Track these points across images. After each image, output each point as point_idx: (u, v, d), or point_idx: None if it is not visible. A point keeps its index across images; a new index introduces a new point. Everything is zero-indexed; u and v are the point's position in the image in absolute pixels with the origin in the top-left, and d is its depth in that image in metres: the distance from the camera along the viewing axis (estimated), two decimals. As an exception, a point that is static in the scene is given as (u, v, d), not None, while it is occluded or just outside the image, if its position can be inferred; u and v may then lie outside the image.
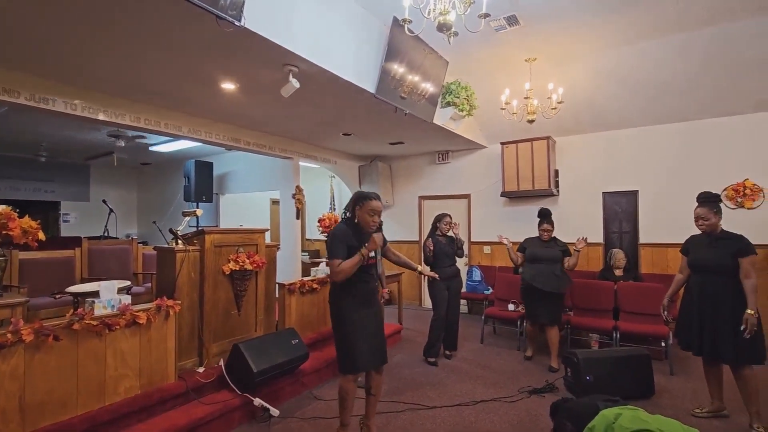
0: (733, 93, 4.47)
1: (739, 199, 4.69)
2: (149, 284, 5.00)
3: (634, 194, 5.33)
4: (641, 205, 5.28)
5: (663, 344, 3.95)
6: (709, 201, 2.82)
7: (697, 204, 2.86)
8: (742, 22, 3.67)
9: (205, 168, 7.07)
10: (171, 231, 3.25)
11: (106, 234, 6.91)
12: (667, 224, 5.01)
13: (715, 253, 2.77)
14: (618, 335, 4.10)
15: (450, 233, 4.26)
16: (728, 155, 4.76)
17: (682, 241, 3.08)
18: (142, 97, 3.91)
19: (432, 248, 4.16)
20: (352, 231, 2.45)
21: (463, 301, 6.08)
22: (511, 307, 4.80)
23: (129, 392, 2.59)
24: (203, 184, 6.97)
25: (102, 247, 5.10)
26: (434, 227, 4.33)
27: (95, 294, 2.61)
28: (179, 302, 2.91)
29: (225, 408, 2.81)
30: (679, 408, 3.09)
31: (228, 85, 3.59)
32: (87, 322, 2.39)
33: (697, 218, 2.85)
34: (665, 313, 3.14)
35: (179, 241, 3.19)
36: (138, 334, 2.67)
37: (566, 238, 4.31)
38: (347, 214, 2.55)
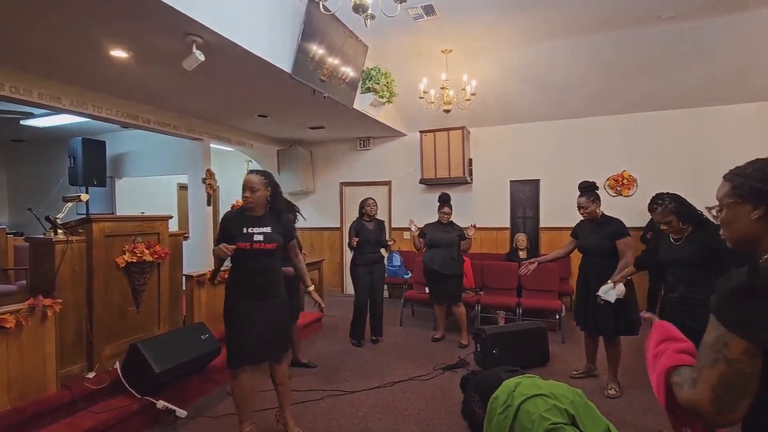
0: (614, 94, 5.09)
1: (619, 188, 5.41)
2: (23, 281, 4.28)
3: (536, 183, 5.86)
4: (542, 193, 5.82)
5: (557, 317, 4.44)
6: (587, 191, 3.19)
7: (579, 194, 3.23)
8: (618, 32, 4.16)
9: (95, 147, 6.17)
10: (48, 219, 2.79)
11: (-37, 224, 5.74)
12: (562, 210, 5.59)
13: (596, 238, 3.16)
14: (521, 311, 4.52)
15: (468, 235, 4.19)
16: (610, 149, 5.44)
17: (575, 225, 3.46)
18: (6, 59, 3.26)
19: (356, 235, 4.18)
20: (241, 216, 2.32)
21: (384, 286, 6.24)
22: (428, 290, 5.01)
23: (-6, 409, 2.20)
24: (93, 165, 6.08)
25: (-44, 239, 4.24)
26: (360, 213, 4.33)
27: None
28: (60, 301, 2.52)
29: (122, 415, 2.53)
30: (568, 372, 3.51)
31: (119, 53, 3.14)
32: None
33: (579, 207, 3.22)
34: (529, 266, 3.37)
35: (59, 231, 2.75)
36: (5, 341, 2.26)
37: (479, 222, 4.59)
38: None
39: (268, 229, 2.33)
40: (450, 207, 4.34)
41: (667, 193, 2.49)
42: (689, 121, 5.11)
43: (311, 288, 2.66)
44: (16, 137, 7.20)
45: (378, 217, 4.39)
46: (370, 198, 4.39)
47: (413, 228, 4.28)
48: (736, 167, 0.94)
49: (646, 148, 5.29)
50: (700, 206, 2.29)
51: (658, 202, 2.44)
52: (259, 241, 2.29)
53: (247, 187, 2.29)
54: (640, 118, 5.31)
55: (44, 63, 3.36)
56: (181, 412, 2.70)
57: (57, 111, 4.13)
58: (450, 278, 4.21)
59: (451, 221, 4.35)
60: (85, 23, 2.68)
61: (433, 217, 4.45)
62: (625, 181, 5.38)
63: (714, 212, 0.98)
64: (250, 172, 2.36)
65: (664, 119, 5.21)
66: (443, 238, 4.23)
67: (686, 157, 5.10)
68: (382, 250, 4.53)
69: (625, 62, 4.54)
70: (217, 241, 2.31)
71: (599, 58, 4.53)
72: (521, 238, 5.45)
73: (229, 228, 2.32)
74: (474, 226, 4.19)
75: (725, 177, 0.95)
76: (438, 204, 4.38)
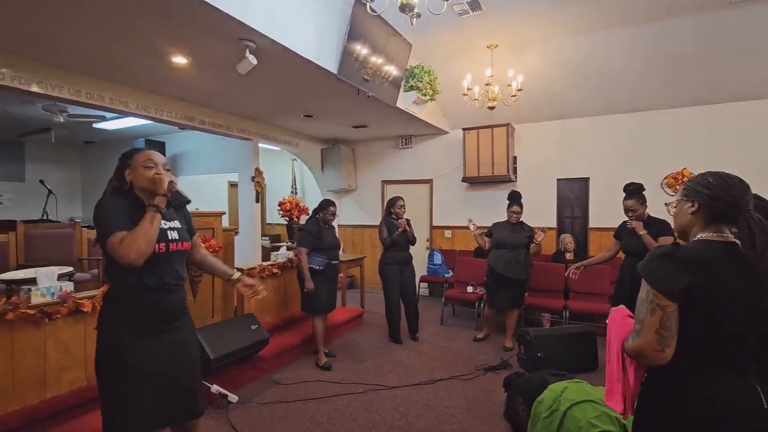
0: (673, 87, 4.75)
1: (678, 187, 5.05)
2: (96, 270, 4.71)
3: (585, 181, 5.60)
4: (592, 192, 5.56)
5: (607, 321, 4.22)
6: (636, 193, 3.05)
7: (624, 195, 3.08)
8: (682, 19, 3.88)
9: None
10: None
11: (45, 217, 6.40)
12: (614, 209, 5.29)
13: (639, 241, 3.00)
14: (567, 314, 4.35)
15: (536, 240, 4.01)
16: (668, 145, 5.09)
17: (618, 226, 3.32)
18: (83, 68, 3.59)
19: (387, 234, 4.18)
20: (134, 204, 1.59)
21: (424, 284, 6.24)
22: (469, 289, 4.95)
23: (74, 384, 2.45)
24: (155, 165, 6.57)
25: (40, 231, 4.73)
26: (388, 212, 4.30)
27: (32, 281, 2.42)
28: (128, 289, 2.75)
29: (180, 396, 2.72)
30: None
31: (179, 59, 3.37)
32: (23, 311, 2.21)
33: (627, 210, 3.09)
34: (576, 270, 3.32)
35: (127, 225, 2.99)
36: (83, 323, 2.51)
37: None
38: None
39: (176, 223, 1.70)
40: (520, 206, 4.11)
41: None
42: (758, 113, 4.68)
43: (236, 275, 1.93)
44: (89, 139, 7.90)
45: (415, 216, 4.34)
46: (400, 198, 4.29)
47: (472, 227, 4.10)
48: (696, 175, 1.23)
49: (709, 143, 4.90)
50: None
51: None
52: (174, 240, 1.63)
53: (156, 162, 1.61)
54: (704, 111, 4.92)
55: (114, 70, 3.67)
56: (233, 397, 2.87)
57: (124, 114, 4.49)
58: (514, 282, 4.02)
59: (522, 222, 4.13)
60: (150, 32, 2.89)
61: (476, 216, 4.37)
62: (685, 179, 5.02)
63: (669, 208, 1.29)
64: (139, 150, 1.66)
65: (730, 111, 4.80)
66: (510, 240, 4.02)
67: (754, 153, 4.67)
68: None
69: (689, 52, 4.22)
70: (117, 220, 1.51)
71: (661, 48, 4.24)
72: (568, 240, 5.23)
73: (125, 210, 1.56)
74: (544, 231, 3.96)
75: (687, 181, 1.26)
76: (507, 202, 4.19)
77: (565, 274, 3.45)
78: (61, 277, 2.58)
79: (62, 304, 2.39)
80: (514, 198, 4.16)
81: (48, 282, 2.43)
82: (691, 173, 4.97)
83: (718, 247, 1.11)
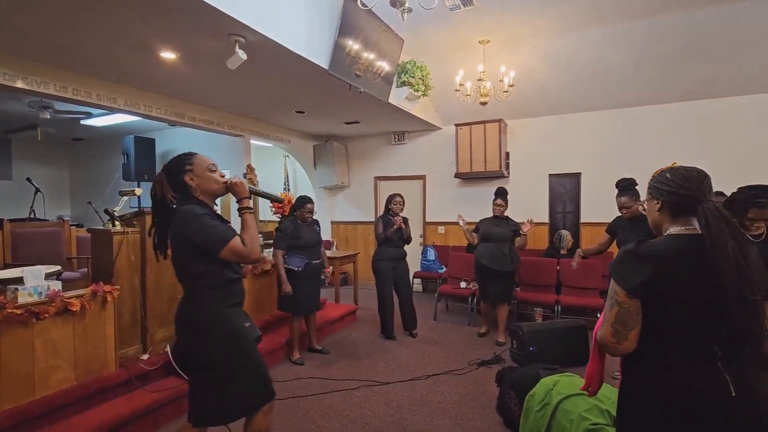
0: (664, 83, 4.79)
1: (668, 182, 5.10)
2: (85, 269, 4.64)
3: (577, 176, 5.64)
4: (583, 187, 5.60)
5: (598, 315, 4.27)
6: (628, 189, 3.07)
7: (617, 192, 3.10)
8: (672, 15, 3.91)
9: (145, 145, 6.59)
10: (107, 212, 3.01)
11: (32, 216, 6.29)
12: (605, 205, 5.34)
13: (633, 236, 3.02)
14: (559, 308, 4.39)
15: (523, 231, 4.03)
16: (659, 140, 5.14)
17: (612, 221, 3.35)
18: (69, 63, 3.52)
19: (382, 230, 4.19)
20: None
21: (417, 280, 6.25)
22: (463, 284, 4.97)
23: (62, 384, 2.42)
24: (144, 162, 6.50)
25: (28, 229, 4.65)
26: (386, 208, 4.33)
27: (19, 281, 2.38)
28: (118, 287, 2.73)
29: (172, 394, 2.71)
30: (609, 373, 3.38)
31: (168, 54, 3.32)
32: (9, 311, 2.18)
33: (621, 207, 3.10)
34: (576, 259, 3.54)
35: (116, 223, 2.97)
36: (71, 323, 2.48)
37: (515, 218, 4.48)
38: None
39: None
40: (504, 200, 4.22)
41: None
42: (747, 108, 4.74)
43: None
44: (77, 136, 7.78)
45: (408, 212, 4.35)
46: (399, 195, 4.31)
47: (461, 223, 4.18)
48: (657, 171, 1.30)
49: (699, 138, 4.95)
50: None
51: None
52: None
53: (215, 165, 1.72)
54: (695, 106, 4.97)
55: (101, 66, 3.61)
56: (226, 395, 2.85)
57: (113, 111, 4.43)
58: (500, 274, 4.08)
59: (507, 216, 4.24)
60: (137, 27, 2.84)
61: (469, 212, 4.39)
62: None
63: (641, 208, 1.41)
64: (193, 155, 1.71)
65: (721, 107, 4.85)
66: (496, 233, 4.12)
67: (745, 148, 4.73)
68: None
69: (680, 47, 4.25)
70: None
71: (652, 43, 4.27)
72: (568, 237, 5.27)
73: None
74: (530, 222, 4.02)
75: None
76: (493, 197, 4.30)
77: (571, 264, 3.52)
78: (48, 276, 2.53)
79: (50, 303, 2.36)
80: (499, 193, 4.28)
81: (35, 281, 2.39)
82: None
83: (682, 240, 1.15)
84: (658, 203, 1.23)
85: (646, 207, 1.32)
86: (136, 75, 3.85)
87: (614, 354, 1.17)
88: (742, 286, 1.02)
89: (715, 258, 1.05)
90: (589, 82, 5.01)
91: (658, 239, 1.20)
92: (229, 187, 1.68)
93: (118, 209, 3.10)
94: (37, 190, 6.45)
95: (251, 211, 1.68)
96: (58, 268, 2.97)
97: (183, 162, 1.67)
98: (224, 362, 1.62)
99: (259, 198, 7.34)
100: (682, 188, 1.17)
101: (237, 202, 1.68)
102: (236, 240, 1.60)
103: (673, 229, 1.19)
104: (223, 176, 1.72)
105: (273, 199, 2.04)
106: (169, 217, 1.63)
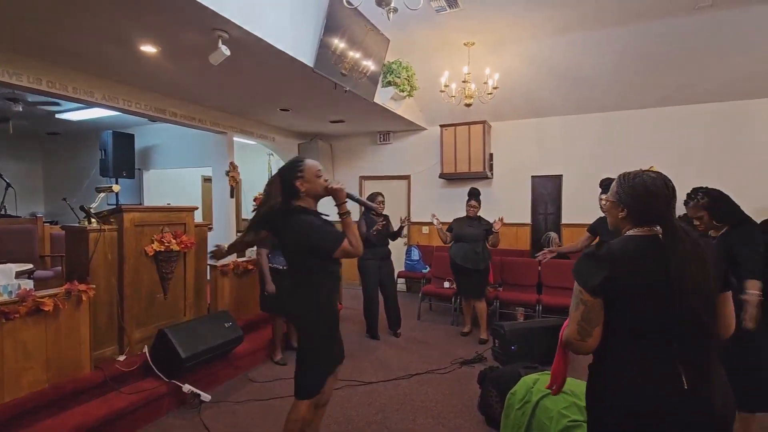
0: (643, 88, 4.92)
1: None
2: (59, 268, 4.50)
3: (559, 178, 5.74)
4: (565, 189, 5.70)
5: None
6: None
7: (601, 191, 3.16)
8: (652, 22, 4.02)
9: (124, 140, 6.40)
10: (82, 208, 2.92)
11: (3, 212, 6.06)
12: (586, 206, 5.45)
13: (616, 236, 3.10)
14: (540, 308, 4.47)
15: (495, 229, 4.13)
16: (637, 144, 5.27)
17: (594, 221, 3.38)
18: (44, 54, 3.40)
19: (365, 230, 4.18)
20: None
21: (401, 280, 6.26)
22: (446, 284, 5.00)
23: (34, 386, 2.33)
24: (123, 158, 6.31)
25: (-2, 226, 4.47)
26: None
27: (-13, 279, 2.29)
28: (93, 286, 2.65)
29: (150, 396, 2.65)
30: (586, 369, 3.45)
31: (148, 48, 3.24)
32: (-23, 311, 2.09)
33: (603, 206, 3.15)
34: (546, 254, 3.41)
35: (92, 220, 2.88)
36: (43, 323, 2.40)
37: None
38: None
39: None
40: (477, 201, 4.35)
41: (707, 188, 2.37)
42: (725, 114, 4.90)
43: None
44: (52, 130, 7.52)
45: (393, 212, 4.39)
46: (380, 194, 4.33)
47: (435, 222, 4.27)
48: (624, 174, 1.34)
49: (676, 143, 5.10)
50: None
51: (691, 196, 2.38)
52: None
53: (323, 171, 1.96)
54: (672, 111, 5.12)
55: (78, 59, 3.50)
56: (206, 396, 2.81)
57: (89, 105, 4.29)
58: (473, 272, 4.20)
59: (479, 216, 4.34)
60: (115, 19, 2.76)
61: (452, 212, 4.44)
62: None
63: (602, 202, 1.45)
64: (302, 161, 1.93)
65: (697, 113, 5.01)
66: (468, 233, 4.24)
67: (720, 153, 4.90)
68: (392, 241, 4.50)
69: (658, 54, 4.37)
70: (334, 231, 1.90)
71: (631, 49, 4.37)
72: (557, 240, 5.41)
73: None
74: (501, 220, 4.15)
75: (617, 179, 1.34)
76: (467, 198, 4.40)
77: (537, 257, 3.57)
78: (19, 274, 2.45)
79: (21, 303, 2.27)
80: (473, 194, 4.41)
81: (5, 280, 2.30)
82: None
83: (640, 241, 1.22)
84: (623, 211, 1.29)
85: (605, 204, 1.37)
86: (115, 68, 3.75)
87: (579, 351, 1.22)
88: (699, 276, 1.10)
89: (675, 251, 1.13)
90: (571, 86, 5.10)
91: (617, 240, 1.28)
92: (330, 192, 1.90)
93: (94, 206, 3.01)
94: (9, 185, 6.21)
95: (349, 214, 1.91)
96: (30, 266, 2.87)
97: (296, 168, 1.90)
98: (324, 337, 1.99)
99: (242, 196, 7.25)
100: (651, 206, 1.23)
101: (336, 206, 1.90)
102: (346, 241, 1.85)
103: (632, 231, 1.27)
104: (327, 181, 1.93)
105: (369, 207, 2.29)
106: (274, 213, 1.87)
